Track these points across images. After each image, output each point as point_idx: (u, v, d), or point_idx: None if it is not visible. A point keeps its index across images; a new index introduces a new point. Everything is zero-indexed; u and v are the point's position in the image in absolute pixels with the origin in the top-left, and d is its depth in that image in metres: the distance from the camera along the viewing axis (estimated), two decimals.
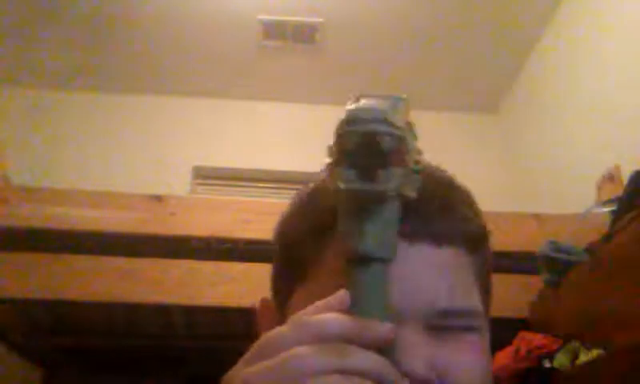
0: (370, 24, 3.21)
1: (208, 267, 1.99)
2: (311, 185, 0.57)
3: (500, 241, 2.31)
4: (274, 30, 3.25)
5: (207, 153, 3.52)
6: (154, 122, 3.60)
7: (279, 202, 0.62)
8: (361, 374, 0.37)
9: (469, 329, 0.51)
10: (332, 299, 0.41)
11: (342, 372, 0.37)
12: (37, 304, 2.01)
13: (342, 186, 0.41)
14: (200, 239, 2.04)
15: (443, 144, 3.68)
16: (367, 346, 0.38)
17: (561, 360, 1.64)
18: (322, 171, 0.53)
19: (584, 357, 1.57)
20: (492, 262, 0.58)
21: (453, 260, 0.51)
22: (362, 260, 0.41)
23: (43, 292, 1.93)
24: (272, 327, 0.41)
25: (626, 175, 2.02)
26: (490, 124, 3.76)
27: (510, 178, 3.52)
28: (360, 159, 0.40)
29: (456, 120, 3.75)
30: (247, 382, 0.38)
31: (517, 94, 3.57)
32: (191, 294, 1.97)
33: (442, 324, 0.49)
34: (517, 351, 1.75)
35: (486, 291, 0.56)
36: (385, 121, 0.40)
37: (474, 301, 0.52)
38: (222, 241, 1.97)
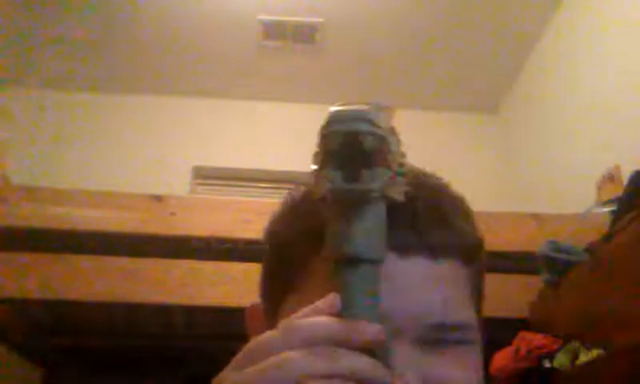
0: (370, 24, 3.21)
1: (208, 267, 1.99)
2: (301, 188, 0.56)
3: (500, 241, 2.32)
4: (274, 30, 3.25)
5: (207, 153, 3.52)
6: (154, 122, 3.60)
7: (279, 202, 0.61)
8: (351, 376, 0.37)
9: (462, 342, 0.50)
10: (321, 303, 0.40)
11: (332, 376, 0.37)
12: (37, 304, 2.01)
13: (327, 186, 0.41)
14: (200, 239, 2.04)
15: (443, 144, 3.70)
16: (357, 348, 0.38)
17: (561, 360, 1.64)
18: (309, 174, 0.53)
19: (584, 357, 1.57)
20: (485, 271, 0.58)
21: (448, 273, 0.51)
22: (350, 261, 0.41)
23: (43, 292, 1.93)
24: (261, 332, 0.40)
25: (625, 175, 2.02)
26: (489, 124, 3.76)
27: (509, 178, 3.52)
28: (344, 159, 0.40)
29: (456, 120, 3.75)
30: None
31: (516, 94, 3.57)
32: (191, 294, 1.97)
33: (436, 338, 0.49)
34: (517, 351, 1.75)
35: (479, 302, 0.55)
36: (367, 120, 0.40)
37: (469, 314, 0.52)
38: (222, 241, 1.97)
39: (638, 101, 2.36)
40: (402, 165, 0.44)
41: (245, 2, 3.10)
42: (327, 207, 0.43)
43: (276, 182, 3.34)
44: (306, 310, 0.40)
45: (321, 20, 3.19)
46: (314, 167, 0.43)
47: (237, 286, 1.86)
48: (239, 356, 0.39)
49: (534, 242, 2.00)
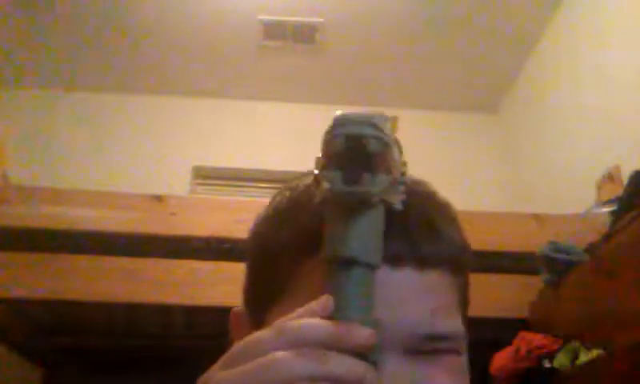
0: (370, 24, 3.21)
1: (208, 267, 1.99)
2: (287, 193, 0.55)
3: (500, 241, 2.32)
4: (274, 30, 3.25)
5: (207, 153, 3.52)
6: (154, 122, 3.60)
7: (265, 206, 0.60)
8: (340, 379, 0.37)
9: (451, 351, 0.50)
10: (315, 304, 0.40)
11: (321, 378, 0.36)
12: (37, 304, 2.01)
13: (327, 187, 0.41)
14: (200, 239, 2.04)
15: (443, 144, 3.70)
16: (348, 351, 0.38)
17: (561, 360, 1.64)
18: (304, 176, 0.52)
19: (584, 357, 1.58)
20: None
21: (437, 283, 0.50)
22: (346, 263, 0.41)
23: (43, 292, 1.93)
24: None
25: (625, 175, 2.02)
26: (489, 124, 3.76)
27: (509, 178, 3.52)
28: (346, 162, 0.40)
29: (456, 120, 3.75)
30: None
31: (517, 94, 3.57)
32: (191, 294, 1.97)
33: (425, 348, 0.49)
34: (517, 351, 1.75)
35: (466, 311, 0.56)
36: (371, 124, 0.40)
37: (456, 323, 0.52)
38: (222, 241, 1.97)
39: (637, 101, 2.36)
40: (403, 173, 0.44)
41: (245, 2, 3.10)
42: (326, 209, 0.43)
43: (276, 182, 3.34)
44: (299, 310, 0.40)
45: (321, 20, 3.19)
46: (316, 171, 0.43)
47: (237, 286, 1.85)
48: (227, 355, 0.39)
49: (534, 242, 2.00)
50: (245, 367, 0.37)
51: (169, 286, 1.97)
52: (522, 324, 1.93)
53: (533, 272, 1.96)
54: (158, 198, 2.11)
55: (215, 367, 0.39)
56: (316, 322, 0.38)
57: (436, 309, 0.49)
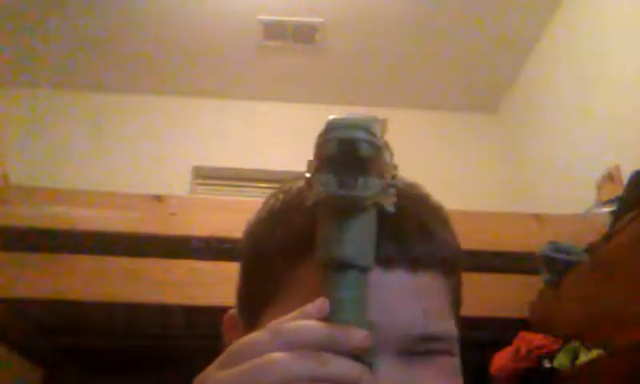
0: (370, 24, 3.22)
1: (208, 267, 1.99)
2: (281, 196, 0.56)
3: (500, 241, 2.32)
4: (274, 30, 3.25)
5: (207, 153, 3.52)
6: (154, 122, 3.60)
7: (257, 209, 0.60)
8: (338, 381, 0.37)
9: (444, 353, 0.50)
10: (310, 307, 0.40)
11: (320, 379, 0.36)
12: (37, 304, 2.01)
13: (321, 191, 0.41)
14: (200, 239, 2.04)
15: (443, 144, 3.70)
16: (343, 353, 0.38)
17: (561, 360, 1.64)
18: (298, 179, 0.53)
19: (584, 357, 1.58)
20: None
21: (429, 285, 0.51)
22: (340, 266, 0.41)
23: (43, 292, 1.93)
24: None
25: (625, 175, 2.02)
26: (489, 124, 3.76)
27: (509, 178, 3.52)
28: (339, 166, 0.41)
29: (456, 120, 3.75)
30: None
31: (517, 94, 3.57)
32: (191, 294, 1.97)
33: (418, 349, 0.49)
34: (517, 351, 1.76)
35: (458, 312, 0.56)
36: (364, 128, 0.40)
37: (449, 325, 0.52)
38: (222, 241, 1.97)
39: (637, 101, 2.36)
40: (394, 176, 0.44)
41: (245, 2, 3.10)
42: (319, 212, 0.43)
43: (276, 182, 3.32)
44: (294, 313, 0.40)
45: (321, 20, 3.19)
46: (308, 174, 0.43)
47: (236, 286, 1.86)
48: (224, 355, 0.39)
49: (534, 241, 2.00)
50: (243, 367, 0.37)
51: (169, 285, 1.97)
52: (522, 324, 1.93)
53: (533, 272, 1.96)
54: (158, 198, 2.11)
55: (211, 367, 0.39)
56: (313, 323, 0.39)
57: (429, 310, 0.49)
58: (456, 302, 0.55)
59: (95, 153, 3.43)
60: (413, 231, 0.50)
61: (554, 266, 1.85)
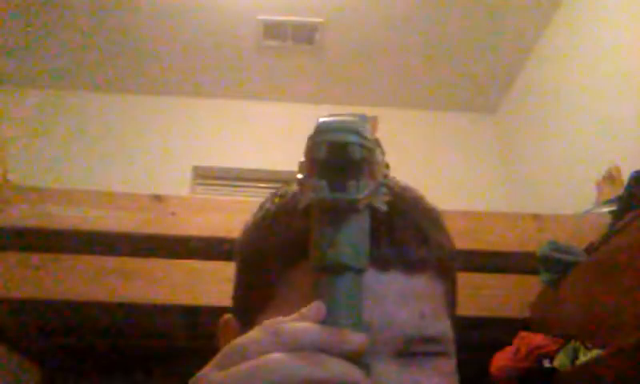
0: (370, 24, 3.22)
1: (208, 267, 1.99)
2: (276, 200, 0.56)
3: (500, 241, 2.32)
4: (274, 30, 3.25)
5: (207, 153, 3.52)
6: (154, 122, 3.60)
7: (252, 214, 0.60)
8: (338, 383, 0.37)
9: (440, 354, 0.51)
10: (306, 310, 0.40)
11: (319, 381, 0.36)
12: (37, 304, 2.01)
13: (313, 195, 0.41)
14: (200, 239, 2.04)
15: (443, 144, 3.70)
16: (341, 355, 0.38)
17: (561, 360, 1.64)
18: (293, 183, 0.53)
19: (584, 357, 1.58)
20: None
21: (425, 287, 0.51)
22: (335, 269, 0.41)
23: (43, 292, 1.93)
24: None
25: (625, 175, 2.02)
26: (489, 124, 3.77)
27: (509, 178, 3.52)
28: (331, 169, 0.41)
29: (455, 120, 3.76)
30: None
31: (516, 94, 3.57)
32: (191, 294, 1.97)
33: (414, 351, 0.49)
34: (517, 351, 1.76)
35: (453, 313, 0.56)
36: (355, 131, 0.41)
37: (445, 326, 0.52)
38: (222, 241, 1.97)
39: (637, 101, 2.36)
40: (385, 175, 0.44)
41: (245, 2, 3.10)
42: (312, 216, 0.43)
43: (276, 182, 3.33)
44: (291, 316, 0.40)
45: (321, 20, 3.19)
46: (300, 176, 0.43)
47: None
48: (221, 355, 0.38)
49: (534, 242, 2.00)
50: (242, 368, 0.36)
51: (169, 285, 1.97)
52: (522, 324, 1.93)
53: (533, 272, 1.96)
54: (158, 198, 2.11)
55: (208, 367, 0.39)
56: (311, 325, 0.39)
57: (425, 312, 0.50)
58: (451, 304, 0.55)
59: (95, 153, 3.43)
60: (408, 234, 0.50)
61: (554, 265, 1.85)
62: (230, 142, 3.56)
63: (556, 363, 1.65)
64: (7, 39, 3.25)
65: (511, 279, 2.09)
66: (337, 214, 0.41)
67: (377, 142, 0.43)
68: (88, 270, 1.97)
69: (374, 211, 0.43)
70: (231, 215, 2.00)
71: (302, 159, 0.43)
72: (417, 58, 3.43)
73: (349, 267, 0.41)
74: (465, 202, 2.97)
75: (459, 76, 3.54)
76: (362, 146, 0.40)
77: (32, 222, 2.00)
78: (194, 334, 2.25)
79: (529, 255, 1.95)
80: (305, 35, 3.28)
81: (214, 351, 0.40)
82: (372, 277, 0.45)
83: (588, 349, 1.58)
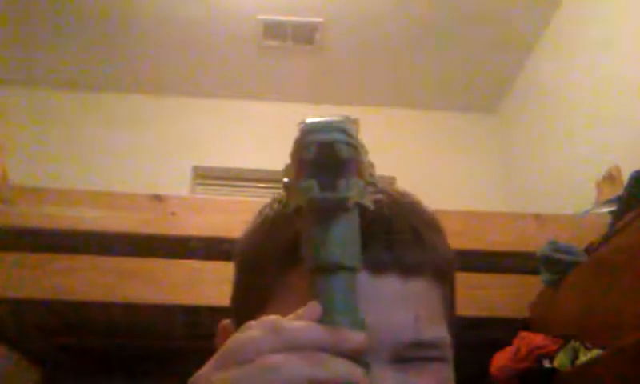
0: (370, 24, 3.22)
1: (208, 267, 1.99)
2: (274, 205, 0.56)
3: (500, 241, 2.31)
4: (274, 30, 3.25)
5: (207, 153, 3.52)
6: (154, 122, 3.60)
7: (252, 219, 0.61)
8: (339, 382, 0.37)
9: (437, 359, 0.51)
10: (302, 311, 0.40)
11: (323, 381, 0.36)
12: (37, 304, 2.01)
13: (303, 196, 0.41)
14: (200, 239, 2.04)
15: (443, 144, 3.70)
16: (341, 354, 0.38)
17: (561, 360, 1.64)
18: (282, 187, 0.53)
19: (584, 357, 1.57)
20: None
21: (421, 291, 0.51)
22: (328, 269, 0.41)
23: (43, 292, 1.93)
24: None
25: (625, 175, 2.02)
26: (489, 124, 3.77)
27: (509, 178, 3.52)
28: (320, 169, 0.41)
29: (456, 120, 3.76)
30: None
31: (516, 94, 3.57)
32: (191, 294, 1.97)
33: (411, 355, 0.49)
34: (517, 351, 1.75)
35: (451, 318, 0.56)
36: (341, 130, 0.41)
37: (441, 331, 0.52)
38: (221, 241, 1.97)
39: (637, 101, 2.36)
40: (371, 174, 0.45)
41: (245, 2, 3.10)
42: (303, 217, 0.43)
43: (276, 182, 3.33)
44: (288, 316, 0.40)
45: (321, 20, 3.19)
46: (286, 179, 0.43)
47: None
48: (221, 354, 0.38)
49: (534, 241, 2.00)
50: (246, 368, 0.36)
51: (169, 285, 1.97)
52: (522, 324, 1.93)
53: (533, 272, 1.96)
54: (158, 198, 2.10)
55: (207, 367, 0.38)
56: (311, 324, 0.39)
57: (421, 316, 0.50)
58: (448, 309, 0.55)
59: (95, 152, 3.43)
60: (404, 238, 0.51)
61: (554, 265, 1.85)
62: (229, 142, 3.56)
63: (556, 363, 1.65)
64: (7, 39, 3.25)
65: (511, 279, 2.08)
66: (327, 213, 0.41)
67: (361, 142, 0.43)
68: (87, 270, 1.96)
69: (367, 213, 0.43)
70: (231, 215, 2.00)
71: (287, 162, 0.43)
72: (416, 58, 3.43)
73: (342, 266, 0.41)
74: (465, 201, 2.97)
75: (459, 76, 3.54)
76: (348, 144, 0.41)
77: (32, 222, 2.00)
78: (194, 333, 2.25)
79: (529, 255, 1.95)
80: (305, 35, 3.28)
81: (213, 352, 0.40)
82: (367, 280, 0.45)
83: (588, 349, 1.58)
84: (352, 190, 0.41)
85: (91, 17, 3.16)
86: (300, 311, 0.40)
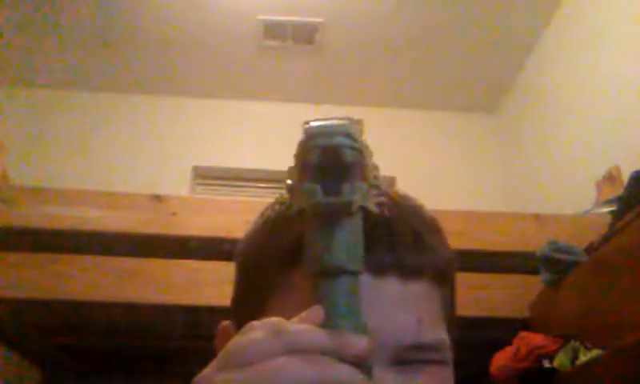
0: (370, 24, 3.22)
1: (208, 267, 1.99)
2: (276, 207, 0.56)
3: (500, 241, 2.31)
4: (274, 30, 3.25)
5: (207, 153, 3.52)
6: (154, 122, 3.60)
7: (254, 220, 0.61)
8: None
9: (437, 361, 0.51)
10: (305, 314, 0.40)
11: None
12: (37, 304, 2.01)
13: (307, 201, 0.41)
14: (200, 239, 2.04)
15: (443, 144, 3.70)
16: (344, 359, 0.38)
17: (561, 360, 1.64)
18: (286, 190, 0.53)
19: (584, 357, 1.58)
20: (456, 290, 0.58)
21: (421, 294, 0.51)
22: (332, 273, 0.41)
23: (43, 292, 1.93)
24: None
25: (626, 175, 2.02)
26: (489, 124, 3.77)
27: (509, 178, 3.52)
28: (323, 173, 0.41)
29: (456, 120, 3.76)
30: None
31: (516, 94, 3.57)
32: (191, 294, 1.97)
33: (411, 358, 0.49)
34: (517, 351, 1.75)
35: (451, 319, 0.56)
36: (345, 134, 0.41)
37: (442, 333, 0.52)
38: (221, 241, 1.97)
39: (637, 101, 2.36)
40: (375, 177, 0.44)
41: (245, 2, 3.10)
42: (306, 220, 0.43)
43: (276, 182, 3.34)
44: (291, 320, 0.39)
45: (321, 20, 3.19)
46: (290, 182, 0.43)
47: None
48: (223, 356, 0.38)
49: (533, 241, 2.00)
50: (247, 371, 0.36)
51: (169, 285, 1.97)
52: (522, 324, 1.93)
53: (533, 272, 1.96)
54: (158, 198, 2.11)
55: (211, 368, 0.38)
56: (315, 328, 0.38)
57: (422, 319, 0.50)
58: (448, 311, 0.55)
59: (95, 153, 3.44)
60: (405, 240, 0.51)
61: (554, 265, 1.85)
62: (230, 142, 3.56)
63: (556, 363, 1.65)
64: (7, 39, 3.25)
65: (511, 279, 2.08)
66: (331, 217, 0.41)
67: (365, 144, 0.43)
68: (88, 271, 1.97)
69: (370, 216, 0.43)
70: (231, 215, 2.00)
71: (291, 164, 0.43)
72: (417, 58, 3.43)
73: (345, 270, 0.41)
74: (465, 201, 2.97)
75: (459, 76, 3.54)
76: (352, 148, 0.41)
77: (32, 222, 2.00)
78: (194, 334, 2.25)
79: (529, 255, 1.95)
80: (305, 35, 3.28)
81: (213, 352, 0.40)
82: (368, 282, 0.45)
83: (588, 349, 1.58)
84: (356, 194, 0.41)
85: (91, 17, 3.16)
86: (303, 315, 0.40)
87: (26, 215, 2.01)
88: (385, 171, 0.48)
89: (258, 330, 0.38)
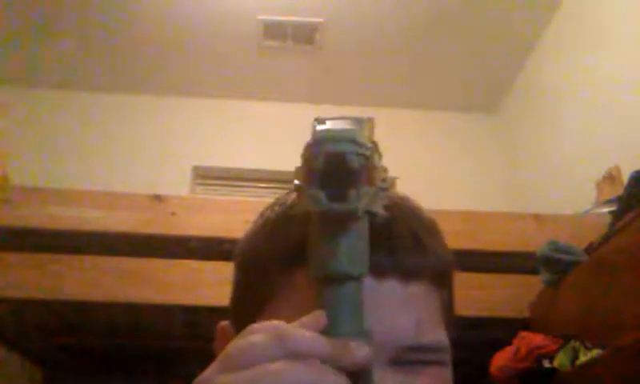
0: (370, 24, 3.22)
1: (208, 267, 1.99)
2: (276, 208, 0.56)
3: (500, 241, 2.31)
4: (274, 30, 3.25)
5: (207, 153, 3.52)
6: (154, 122, 3.60)
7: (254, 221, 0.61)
8: None
9: (436, 363, 0.51)
10: (307, 319, 0.39)
11: None
12: (37, 304, 2.01)
13: (312, 207, 0.41)
14: (200, 239, 2.04)
15: (443, 144, 3.70)
16: (345, 367, 0.38)
17: (561, 360, 1.64)
18: (292, 193, 0.53)
19: (584, 357, 1.58)
20: (454, 291, 0.58)
21: (421, 296, 0.51)
22: (336, 279, 0.41)
23: (43, 292, 1.93)
24: None
25: (625, 175, 2.02)
26: (489, 124, 3.77)
27: (509, 178, 3.52)
28: (329, 179, 0.40)
29: (456, 120, 3.76)
30: None
31: (516, 94, 3.57)
32: (191, 294, 1.97)
33: (411, 359, 0.49)
34: (517, 351, 1.75)
35: (450, 320, 0.56)
36: (352, 140, 0.40)
37: (441, 335, 0.52)
38: (221, 241, 1.97)
39: (637, 101, 2.36)
40: (384, 179, 0.44)
41: (245, 2, 3.10)
42: (311, 225, 0.43)
43: (276, 182, 3.34)
44: (292, 324, 0.39)
45: (321, 20, 3.19)
46: (297, 182, 0.43)
47: None
48: (224, 357, 0.38)
49: (534, 241, 2.00)
50: (250, 374, 0.36)
51: (169, 285, 1.97)
52: (522, 324, 1.93)
53: (533, 272, 1.96)
54: (159, 198, 2.11)
55: (211, 370, 0.38)
56: (316, 335, 0.38)
57: (421, 320, 0.50)
58: (447, 313, 0.55)
59: (95, 153, 3.43)
60: (405, 242, 0.51)
61: (554, 265, 1.85)
62: (230, 142, 3.56)
63: (556, 363, 1.65)
64: (8, 39, 3.25)
65: (511, 279, 2.09)
66: (336, 223, 0.41)
67: (374, 147, 0.43)
68: (88, 271, 1.97)
69: (376, 219, 0.43)
70: (231, 215, 2.00)
71: (297, 164, 0.43)
72: (417, 58, 3.43)
73: (349, 276, 0.41)
74: (465, 201, 2.97)
75: (459, 76, 3.54)
76: (359, 154, 0.40)
77: (32, 222, 2.00)
78: (194, 334, 2.25)
79: (529, 255, 1.95)
80: (305, 35, 3.28)
81: (212, 352, 0.40)
82: (368, 284, 0.45)
83: (588, 349, 1.58)
84: (362, 200, 0.41)
85: (91, 17, 3.16)
86: (305, 319, 0.40)
87: (26, 215, 2.01)
88: None
89: (258, 334, 0.38)
